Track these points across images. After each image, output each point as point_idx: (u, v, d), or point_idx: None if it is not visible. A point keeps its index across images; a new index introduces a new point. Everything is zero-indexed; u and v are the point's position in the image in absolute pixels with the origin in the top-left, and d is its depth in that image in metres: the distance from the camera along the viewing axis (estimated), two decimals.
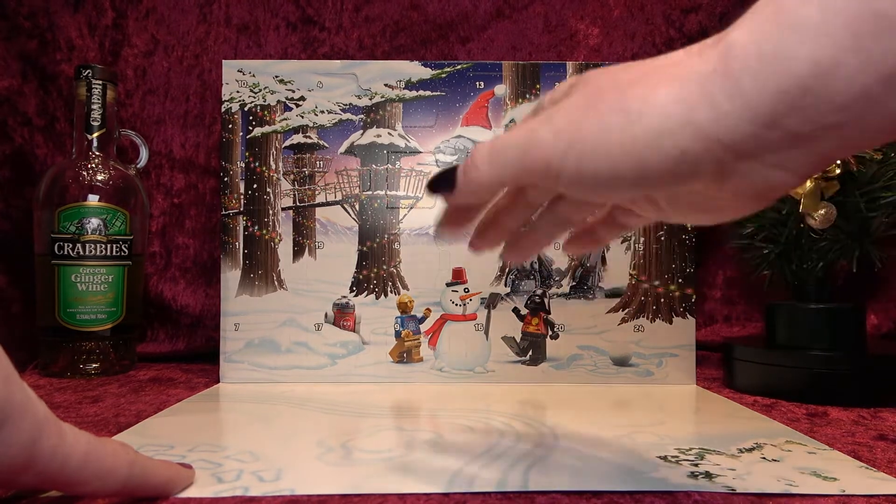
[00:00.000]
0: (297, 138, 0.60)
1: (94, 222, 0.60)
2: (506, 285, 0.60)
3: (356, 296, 0.59)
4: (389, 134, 0.60)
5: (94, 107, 0.62)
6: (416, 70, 0.60)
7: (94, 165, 0.62)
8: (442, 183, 0.28)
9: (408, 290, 0.59)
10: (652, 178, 0.22)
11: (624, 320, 0.59)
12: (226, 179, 0.60)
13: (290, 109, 0.60)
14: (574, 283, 0.60)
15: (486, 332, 0.59)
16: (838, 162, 0.52)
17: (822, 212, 0.53)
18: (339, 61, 0.61)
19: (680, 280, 0.59)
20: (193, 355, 0.70)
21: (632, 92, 0.22)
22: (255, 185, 0.60)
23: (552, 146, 0.24)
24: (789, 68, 0.19)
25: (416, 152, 0.60)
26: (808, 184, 0.53)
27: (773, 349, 0.55)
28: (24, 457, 0.24)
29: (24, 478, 0.24)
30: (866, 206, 0.52)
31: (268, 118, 0.60)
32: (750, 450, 0.38)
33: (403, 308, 0.59)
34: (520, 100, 0.60)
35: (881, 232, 0.53)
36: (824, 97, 0.19)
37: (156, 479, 0.29)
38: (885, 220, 0.52)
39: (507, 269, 0.60)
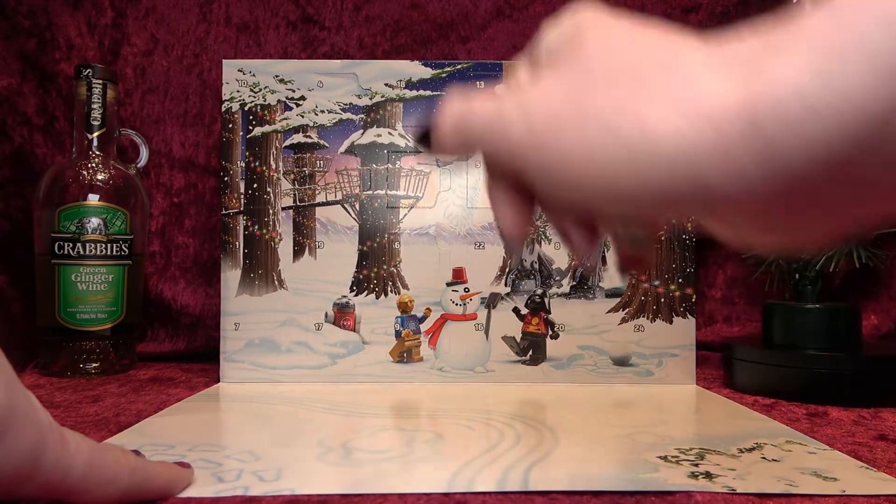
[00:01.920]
0: (298, 138, 0.60)
1: (94, 222, 0.60)
2: (506, 285, 0.60)
3: (356, 295, 0.59)
4: (390, 133, 0.60)
5: (94, 106, 0.62)
6: (416, 70, 0.60)
7: (94, 165, 0.61)
8: (423, 141, 0.26)
9: (408, 289, 0.59)
10: (653, 199, 0.18)
11: (624, 320, 0.59)
12: (226, 179, 0.60)
13: (291, 109, 0.60)
14: (574, 283, 0.60)
15: (487, 332, 0.59)
16: None
17: None
18: (339, 61, 0.61)
19: (680, 280, 0.59)
20: (193, 355, 0.70)
21: (627, 105, 0.18)
22: (255, 185, 0.60)
23: (519, 141, 0.20)
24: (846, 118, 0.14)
25: (416, 152, 0.60)
26: None
27: (773, 349, 0.55)
28: (27, 466, 0.23)
29: (27, 488, 0.24)
30: None
31: (268, 118, 0.60)
32: (750, 450, 0.38)
33: (403, 308, 0.59)
34: None
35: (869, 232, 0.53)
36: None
37: (157, 483, 0.29)
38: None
39: (506, 269, 0.60)
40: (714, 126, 0.16)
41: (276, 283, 0.59)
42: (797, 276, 0.56)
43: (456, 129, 0.23)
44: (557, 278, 0.60)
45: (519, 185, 0.23)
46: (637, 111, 0.18)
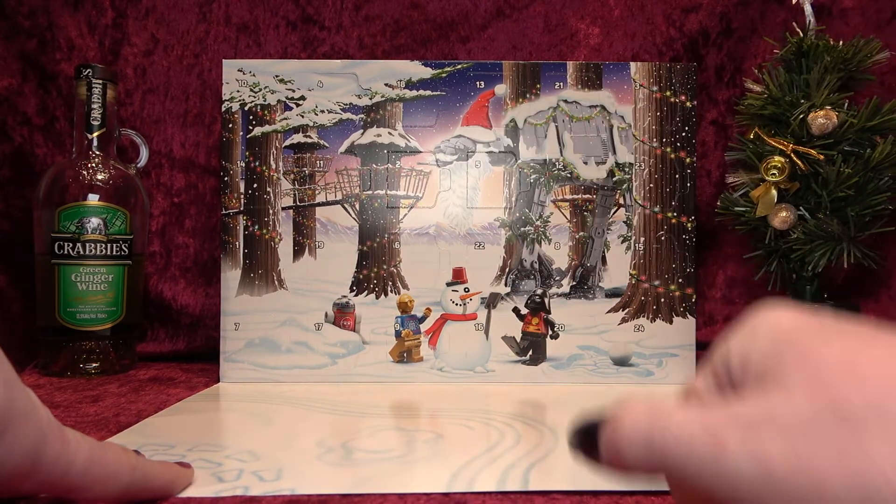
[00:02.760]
0: (298, 138, 0.60)
1: (94, 222, 0.60)
2: (506, 285, 0.60)
3: (356, 295, 0.59)
4: (390, 133, 0.60)
5: (94, 106, 0.62)
6: (416, 70, 0.60)
7: (94, 165, 0.61)
8: (584, 445, 0.20)
9: (408, 289, 0.59)
10: None
11: (624, 320, 0.59)
12: (226, 179, 0.60)
13: (291, 109, 0.60)
14: (574, 283, 0.60)
15: (487, 332, 0.59)
16: (785, 161, 0.53)
17: (782, 214, 0.53)
18: (339, 61, 0.61)
19: (680, 280, 0.59)
20: (193, 355, 0.70)
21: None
22: (255, 185, 0.60)
23: (751, 481, 0.15)
24: None
25: (416, 152, 0.60)
26: (761, 188, 0.54)
27: None
28: (28, 463, 0.23)
29: (27, 484, 0.24)
30: (831, 204, 0.53)
31: (268, 118, 0.60)
32: None
33: (403, 308, 0.59)
34: (520, 99, 0.60)
35: (857, 231, 0.53)
36: None
37: (157, 482, 0.29)
38: (866, 219, 0.52)
39: (507, 269, 0.60)
40: None
41: (276, 283, 0.59)
42: (794, 276, 0.56)
43: (647, 443, 0.18)
44: (557, 278, 0.60)
45: None
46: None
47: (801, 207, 0.54)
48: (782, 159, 0.53)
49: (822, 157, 0.52)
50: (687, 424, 0.17)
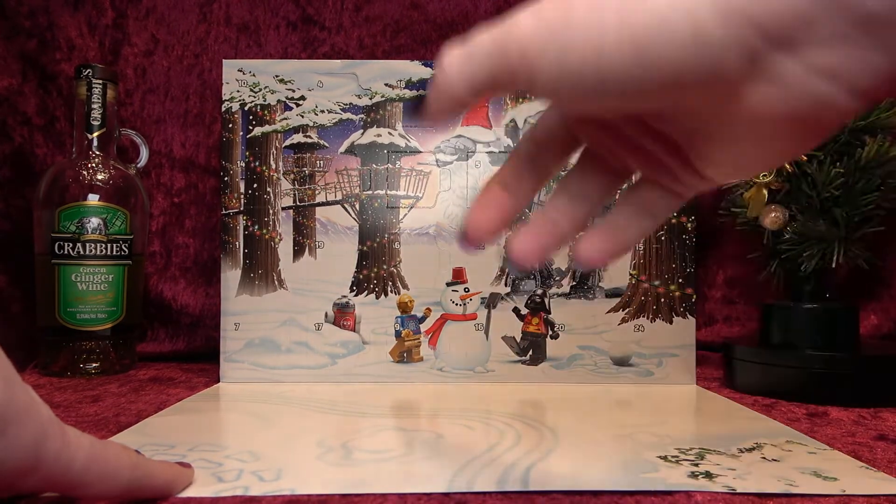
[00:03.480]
0: (298, 138, 0.60)
1: (94, 222, 0.60)
2: (506, 285, 0.60)
3: (356, 295, 0.59)
4: (390, 133, 0.60)
5: (95, 106, 0.62)
6: (416, 70, 0.60)
7: (94, 165, 0.62)
8: (420, 102, 0.24)
9: (408, 289, 0.59)
10: (653, 74, 0.17)
11: (624, 320, 0.59)
12: (226, 179, 0.60)
13: (291, 109, 0.60)
14: (574, 283, 0.60)
15: (487, 332, 0.59)
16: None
17: (772, 215, 0.53)
18: (339, 61, 0.61)
19: (680, 280, 0.59)
20: (193, 355, 0.70)
21: None
22: (255, 185, 0.60)
23: (532, 34, 0.18)
24: None
25: (416, 152, 0.60)
26: (752, 190, 0.54)
27: (772, 349, 0.55)
28: (29, 460, 0.23)
29: (28, 482, 0.24)
30: (822, 204, 0.53)
31: (268, 118, 0.60)
32: (750, 450, 0.38)
33: (403, 308, 0.59)
34: (520, 99, 0.60)
35: (848, 232, 0.53)
36: None
37: (158, 481, 0.29)
38: (858, 220, 0.53)
39: (507, 269, 0.60)
40: None
41: (276, 283, 0.59)
42: (797, 274, 0.56)
43: (464, 50, 0.20)
44: (557, 278, 0.60)
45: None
46: None
47: (792, 208, 0.55)
48: None
49: (804, 157, 0.52)
50: (487, 32, 0.20)
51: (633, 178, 0.25)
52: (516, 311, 0.59)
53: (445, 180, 0.60)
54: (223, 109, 0.60)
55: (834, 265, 0.53)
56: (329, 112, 0.60)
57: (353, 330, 0.59)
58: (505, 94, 0.21)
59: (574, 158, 0.26)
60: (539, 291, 0.59)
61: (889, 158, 0.51)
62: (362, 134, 0.60)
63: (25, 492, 0.24)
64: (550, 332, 0.59)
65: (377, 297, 0.59)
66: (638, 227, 0.24)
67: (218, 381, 0.58)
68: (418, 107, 0.23)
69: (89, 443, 0.26)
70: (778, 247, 0.55)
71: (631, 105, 0.19)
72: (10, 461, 0.23)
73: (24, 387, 0.24)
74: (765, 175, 0.53)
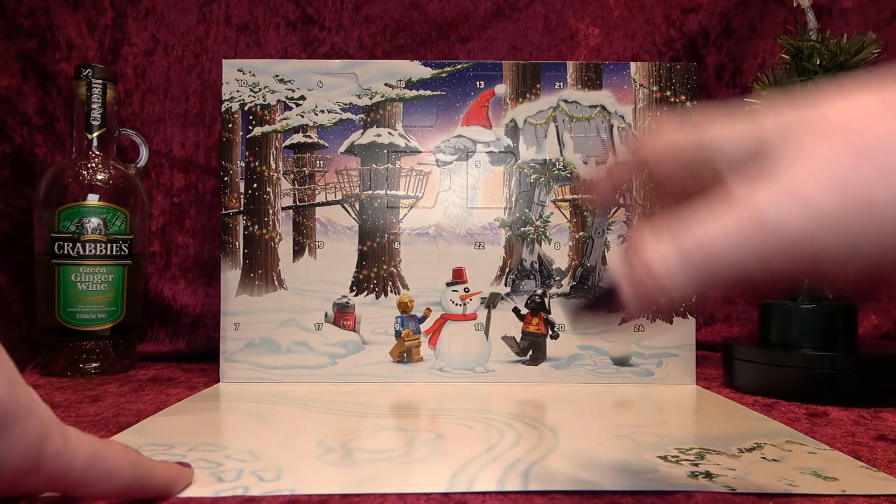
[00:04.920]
0: (298, 138, 0.60)
1: (94, 222, 0.60)
2: (506, 285, 0.60)
3: (356, 295, 0.59)
4: (390, 133, 0.60)
5: (94, 106, 0.62)
6: (416, 69, 0.60)
7: (94, 165, 0.61)
8: (601, 305, 0.23)
9: (408, 289, 0.59)
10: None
11: (624, 320, 0.59)
12: (226, 179, 0.60)
13: (291, 109, 0.60)
14: (574, 283, 0.60)
15: (486, 332, 0.59)
16: None
17: None
18: (339, 61, 0.61)
19: None
20: (193, 355, 0.70)
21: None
22: (255, 185, 0.60)
23: (805, 228, 0.19)
24: None
25: (416, 152, 0.60)
26: None
27: (772, 349, 0.55)
28: (31, 460, 0.23)
29: (30, 481, 0.24)
30: None
31: (268, 117, 0.60)
32: (750, 450, 0.38)
33: (403, 308, 0.59)
34: (520, 99, 0.60)
35: None
36: None
37: (158, 480, 0.29)
38: None
39: (507, 269, 0.60)
40: None
41: (276, 283, 0.59)
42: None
43: (681, 258, 0.21)
44: (557, 278, 0.60)
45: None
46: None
47: None
48: None
49: None
50: (720, 223, 0.20)
51: None
52: (516, 311, 0.59)
53: (445, 180, 0.60)
54: (223, 109, 0.60)
55: None
56: (329, 112, 0.60)
57: (353, 330, 0.59)
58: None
59: None
60: (539, 291, 0.59)
61: None
62: (362, 134, 0.60)
63: (27, 492, 0.24)
64: (550, 332, 0.59)
65: (377, 297, 0.59)
66: None
67: (218, 381, 0.58)
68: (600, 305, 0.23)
69: (90, 442, 0.26)
70: None
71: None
72: (12, 460, 0.23)
73: (26, 387, 0.24)
74: None
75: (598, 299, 0.22)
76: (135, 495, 0.28)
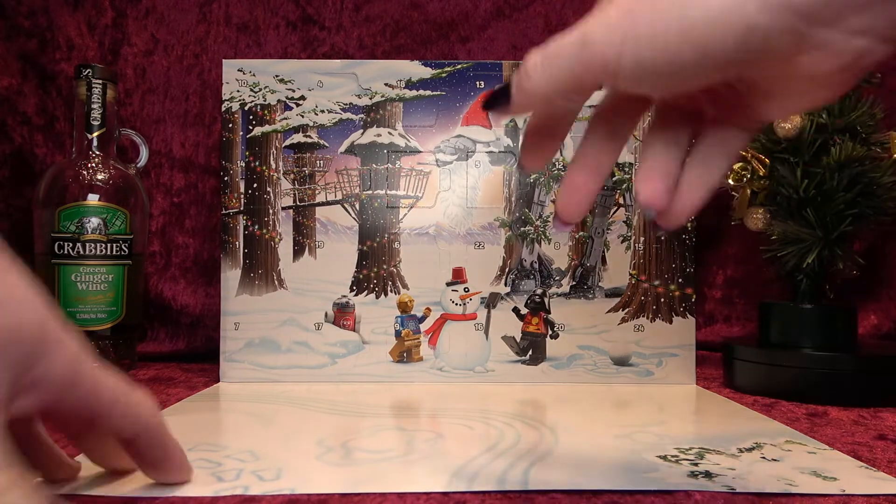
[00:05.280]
0: (298, 137, 0.60)
1: (94, 222, 0.60)
2: (506, 285, 0.60)
3: (356, 295, 0.59)
4: (390, 133, 0.60)
5: (94, 106, 0.62)
6: (416, 69, 0.60)
7: (94, 165, 0.61)
8: (498, 98, 0.26)
9: (408, 289, 0.59)
10: (716, 60, 0.21)
11: (624, 320, 0.59)
12: (226, 179, 0.60)
13: (291, 109, 0.60)
14: (574, 283, 0.60)
15: (486, 332, 0.59)
16: (743, 165, 0.55)
17: (754, 216, 0.54)
18: (339, 61, 0.61)
19: (680, 280, 0.59)
20: (193, 355, 0.70)
21: None
22: (255, 185, 0.60)
23: (606, 41, 0.22)
24: None
25: (416, 152, 0.60)
26: (741, 192, 0.56)
27: (772, 349, 0.55)
28: (70, 375, 0.25)
29: (69, 399, 0.26)
30: (798, 205, 0.53)
31: (268, 117, 0.60)
32: (750, 449, 0.38)
33: (403, 307, 0.59)
34: None
35: (826, 233, 0.53)
36: None
37: (173, 444, 0.30)
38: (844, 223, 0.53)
39: (507, 269, 0.60)
40: None
41: (276, 282, 0.59)
42: (798, 276, 0.57)
43: (544, 58, 0.24)
44: (557, 278, 0.60)
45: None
46: None
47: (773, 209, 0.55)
48: (739, 163, 0.56)
49: (766, 160, 0.54)
50: (566, 34, 0.24)
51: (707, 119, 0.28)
52: (516, 310, 0.59)
53: (445, 180, 0.60)
54: (223, 109, 0.60)
55: (816, 266, 0.54)
56: (329, 112, 0.60)
57: (353, 330, 0.59)
58: (581, 94, 0.25)
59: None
60: (539, 291, 0.59)
61: (855, 158, 0.51)
62: (362, 134, 0.60)
63: (69, 409, 0.26)
64: (550, 332, 0.59)
65: (377, 297, 0.59)
66: (712, 173, 0.27)
67: (218, 380, 0.58)
68: (497, 100, 0.26)
69: (113, 374, 0.28)
70: (760, 248, 0.56)
71: (701, 83, 0.23)
72: (55, 374, 0.25)
73: (59, 317, 0.26)
74: (734, 177, 0.55)
75: (500, 90, 0.26)
76: (152, 444, 0.29)
